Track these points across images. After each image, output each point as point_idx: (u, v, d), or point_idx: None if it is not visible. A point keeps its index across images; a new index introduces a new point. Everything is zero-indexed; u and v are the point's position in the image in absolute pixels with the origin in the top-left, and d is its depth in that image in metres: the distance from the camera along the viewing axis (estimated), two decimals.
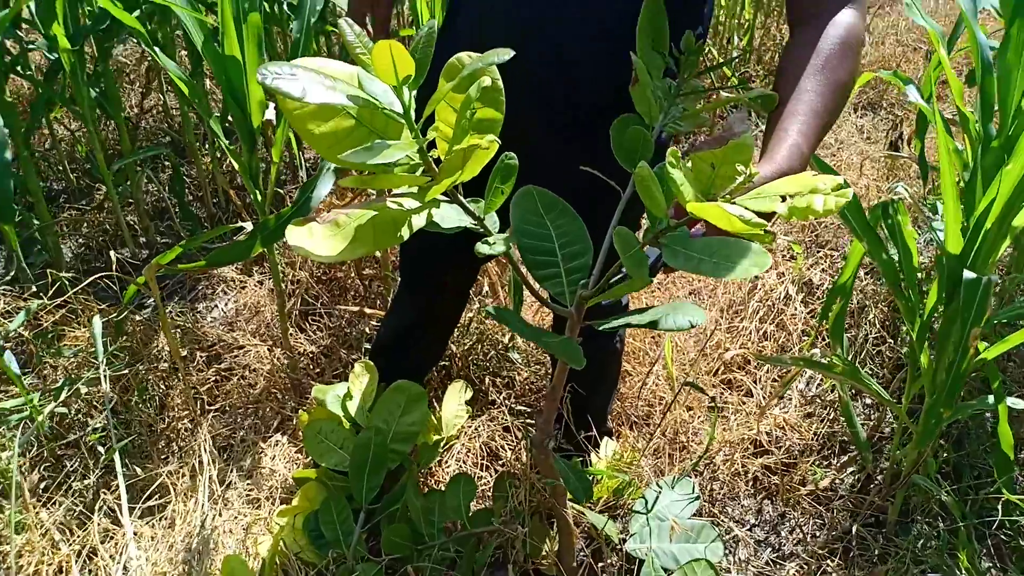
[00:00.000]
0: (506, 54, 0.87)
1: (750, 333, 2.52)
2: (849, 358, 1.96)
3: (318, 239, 0.90)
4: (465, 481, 1.83)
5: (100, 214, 2.98)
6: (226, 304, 2.68)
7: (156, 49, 1.88)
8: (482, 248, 1.02)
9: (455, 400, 2.18)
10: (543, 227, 1.19)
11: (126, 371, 2.27)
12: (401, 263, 1.98)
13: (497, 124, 0.99)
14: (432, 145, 1.00)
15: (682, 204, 0.87)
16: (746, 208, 0.84)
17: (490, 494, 2.07)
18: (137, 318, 2.50)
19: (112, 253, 2.19)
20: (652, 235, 1.01)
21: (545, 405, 1.40)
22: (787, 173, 1.05)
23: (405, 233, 0.94)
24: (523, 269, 1.28)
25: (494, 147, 0.88)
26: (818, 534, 2.06)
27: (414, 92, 0.91)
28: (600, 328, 1.15)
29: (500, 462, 2.20)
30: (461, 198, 1.02)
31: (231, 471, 2.11)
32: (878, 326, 2.52)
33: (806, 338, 2.54)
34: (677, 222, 0.97)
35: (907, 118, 3.81)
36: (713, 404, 2.21)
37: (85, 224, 2.97)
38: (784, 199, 0.85)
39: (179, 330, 2.49)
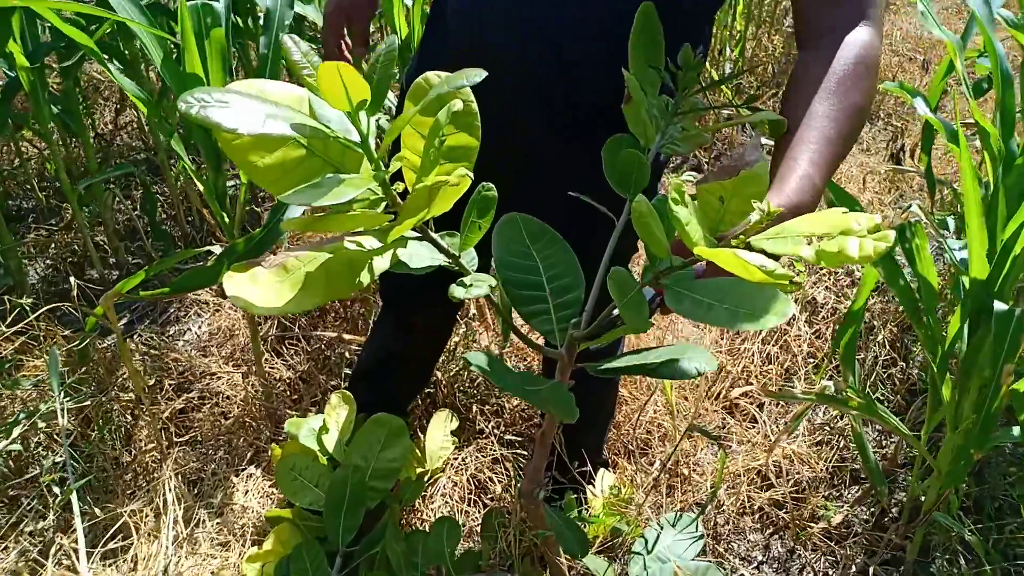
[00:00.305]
0: (477, 76, 0.73)
1: (752, 355, 2.39)
2: (858, 383, 1.82)
3: (263, 288, 0.77)
4: (450, 524, 1.69)
5: (68, 234, 2.84)
6: (199, 327, 2.54)
7: (111, 67, 1.75)
8: (457, 292, 0.89)
9: (440, 430, 2.04)
10: (529, 258, 1.07)
11: (88, 402, 2.12)
12: (380, 285, 1.85)
13: (472, 152, 0.86)
14: (400, 176, 0.87)
15: (688, 247, 0.74)
16: (765, 253, 0.71)
17: (478, 533, 1.93)
18: (104, 344, 2.37)
19: (72, 279, 2.05)
20: (652, 275, 0.88)
21: (535, 452, 1.27)
22: (798, 208, 0.95)
23: (365, 279, 0.81)
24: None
25: (465, 183, 0.75)
26: (831, 573, 1.92)
27: (376, 117, 0.77)
28: (595, 372, 1.02)
29: (489, 495, 2.07)
30: (433, 234, 0.88)
31: (199, 509, 1.97)
32: (888, 347, 2.39)
33: (811, 360, 2.40)
34: (683, 261, 0.84)
35: (907, 129, 3.68)
36: (720, 445, 2.07)
37: (53, 245, 2.83)
38: (810, 241, 0.72)
39: (147, 357, 2.35)
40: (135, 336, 2.46)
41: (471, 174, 0.81)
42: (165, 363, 2.33)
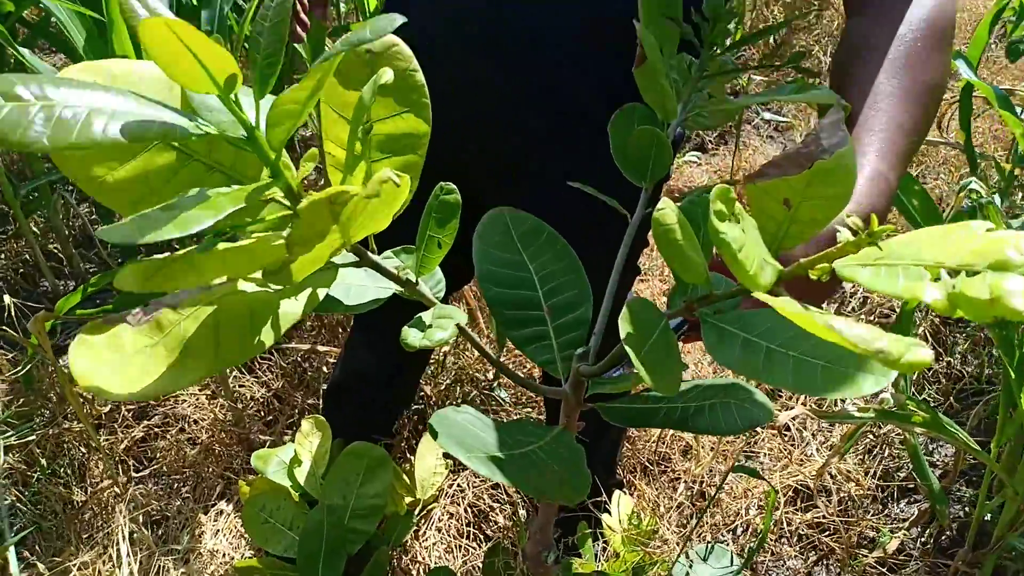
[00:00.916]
0: (399, 19, 0.47)
1: None
2: (910, 387, 1.57)
3: (125, 360, 0.52)
4: None
5: (20, 243, 2.58)
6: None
7: (23, 51, 1.49)
8: (411, 338, 0.63)
9: (432, 454, 1.79)
10: (520, 268, 0.82)
11: (33, 436, 1.88)
12: None
13: (420, 141, 0.60)
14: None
15: (745, 284, 0.48)
16: (877, 290, 0.45)
17: (480, 574, 1.69)
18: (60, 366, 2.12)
19: (7, 298, 1.79)
20: (683, 304, 0.62)
21: (540, 507, 1.02)
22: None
23: (268, 337, 0.55)
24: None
25: (403, 188, 0.49)
26: None
27: (265, 100, 0.51)
28: (612, 421, 0.78)
29: (493, 526, 1.82)
30: (375, 257, 0.62)
31: (161, 556, 1.72)
32: (930, 340, 2.13)
33: None
34: (730, 289, 0.58)
35: None
36: (767, 482, 1.82)
37: (3, 255, 2.57)
38: (937, 276, 0.45)
39: None
40: None
41: (418, 166, 0.55)
42: None
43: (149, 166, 0.54)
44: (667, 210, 0.51)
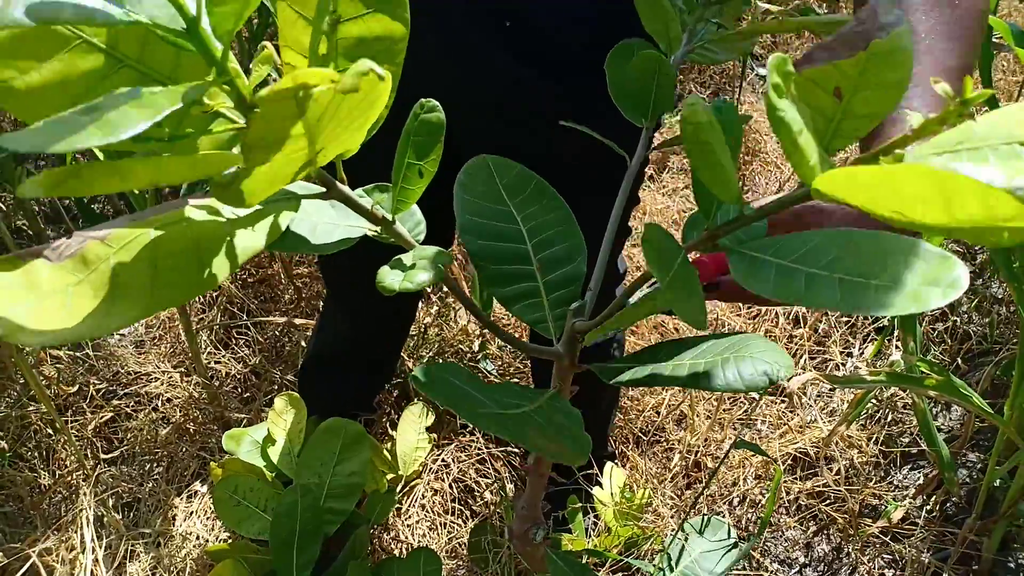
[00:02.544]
0: None
1: (776, 318, 2.06)
2: (919, 348, 1.49)
3: (44, 298, 0.43)
4: (427, 557, 1.37)
5: None
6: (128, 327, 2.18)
7: None
8: (388, 281, 0.54)
9: (413, 428, 1.71)
10: (507, 219, 0.74)
11: None
12: (319, 262, 1.51)
13: (397, 46, 0.51)
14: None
15: (805, 178, 0.40)
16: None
17: (466, 551, 1.62)
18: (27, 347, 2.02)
19: None
20: (706, 233, 0.54)
21: (528, 482, 0.94)
22: None
23: (221, 270, 0.47)
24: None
25: (383, 89, 0.40)
26: (887, 573, 1.61)
27: None
28: (611, 382, 0.70)
29: (479, 501, 1.74)
30: (345, 188, 0.54)
31: (131, 540, 1.64)
32: None
33: (844, 321, 2.07)
34: (758, 208, 0.50)
35: None
36: (772, 460, 1.75)
37: None
38: None
39: (69, 359, 2.00)
40: None
41: (394, 72, 0.47)
42: (91, 364, 1.99)
43: (70, 71, 0.45)
44: (697, 106, 0.43)
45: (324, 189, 0.53)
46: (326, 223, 0.57)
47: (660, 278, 0.48)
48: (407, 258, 0.57)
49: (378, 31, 0.50)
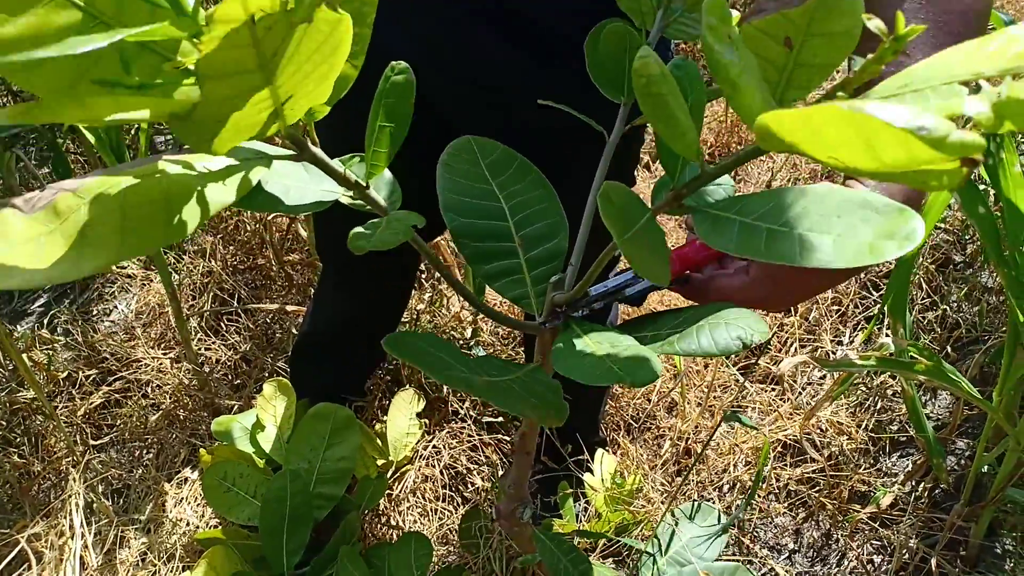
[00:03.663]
0: None
1: None
2: (908, 334, 1.49)
3: (16, 245, 0.43)
4: (418, 541, 1.36)
5: None
6: (127, 305, 2.18)
7: None
8: (358, 241, 0.54)
9: (404, 414, 1.71)
10: (490, 197, 0.74)
11: None
12: (315, 236, 1.51)
13: (367, 7, 0.51)
14: None
15: (745, 118, 0.40)
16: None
17: (456, 539, 1.62)
18: (18, 332, 2.02)
19: None
20: (670, 193, 0.54)
21: (514, 461, 0.94)
22: (908, 198, 0.67)
23: (191, 219, 0.47)
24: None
25: (340, 40, 0.40)
26: (877, 560, 1.61)
27: None
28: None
29: (470, 488, 1.74)
30: (317, 150, 0.53)
31: (121, 526, 1.63)
32: (925, 288, 2.06)
33: (835, 307, 2.07)
34: (718, 164, 0.50)
35: None
36: (760, 431, 1.74)
37: None
38: (976, 87, 0.37)
39: (59, 345, 2.00)
40: (52, 320, 2.10)
41: (363, 40, 0.47)
42: (82, 351, 1.98)
43: (44, 24, 0.45)
44: (649, 59, 0.42)
45: (297, 151, 0.53)
46: (299, 186, 0.56)
47: (618, 234, 0.48)
48: (377, 224, 0.57)
49: None
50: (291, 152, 0.52)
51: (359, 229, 0.55)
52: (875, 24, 0.35)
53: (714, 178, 0.49)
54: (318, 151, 0.52)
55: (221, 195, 0.47)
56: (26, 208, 0.44)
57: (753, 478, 1.71)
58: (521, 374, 0.64)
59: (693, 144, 0.46)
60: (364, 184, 0.57)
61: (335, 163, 0.55)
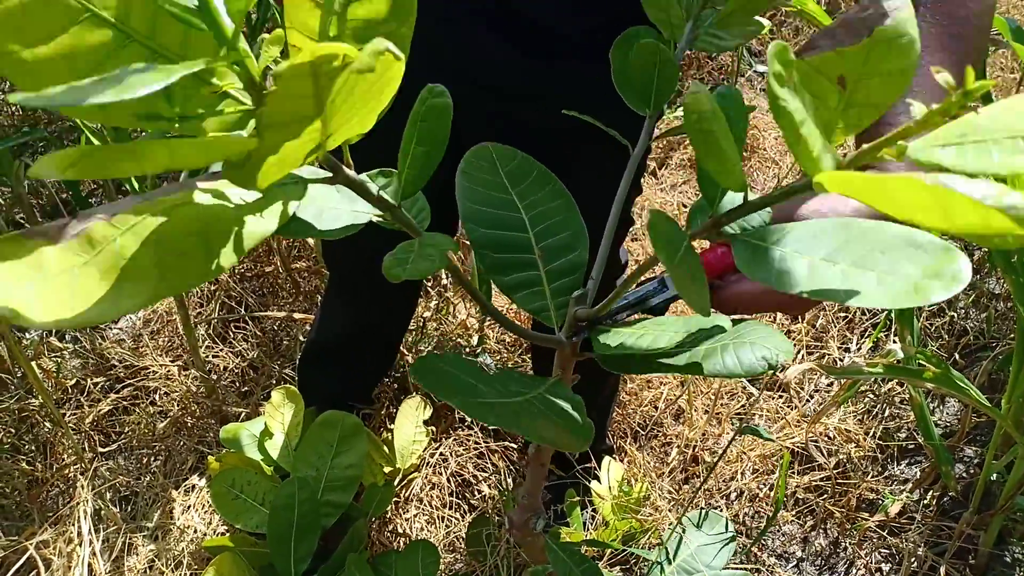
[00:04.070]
0: None
1: (773, 313, 2.06)
2: (916, 341, 1.49)
3: (51, 280, 0.43)
4: (425, 549, 1.37)
5: None
6: (135, 313, 2.18)
7: None
8: (392, 267, 0.54)
9: (410, 422, 1.71)
10: (509, 207, 0.75)
11: None
12: (322, 248, 1.51)
13: (404, 29, 0.51)
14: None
15: (807, 170, 0.40)
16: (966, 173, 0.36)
17: (463, 547, 1.62)
18: (27, 339, 2.02)
19: None
20: (709, 220, 0.55)
21: (528, 472, 0.94)
22: None
23: (227, 258, 0.47)
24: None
25: (397, 69, 0.40)
26: (885, 568, 1.61)
27: None
28: (610, 368, 0.70)
29: (477, 495, 1.74)
30: (352, 172, 0.54)
31: (129, 533, 1.63)
32: None
33: (843, 315, 2.07)
34: (762, 198, 0.50)
35: None
36: (774, 443, 1.74)
37: None
38: None
39: (68, 352, 2.00)
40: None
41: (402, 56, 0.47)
42: (90, 357, 1.99)
43: (78, 45, 0.45)
44: (700, 94, 0.43)
45: (331, 174, 0.53)
46: (332, 208, 0.57)
47: (667, 262, 0.48)
48: (410, 249, 0.57)
49: (385, 13, 0.50)
50: (326, 175, 0.52)
51: (391, 257, 0.55)
52: (943, 78, 0.35)
53: (756, 210, 0.49)
54: (352, 173, 0.53)
55: (259, 226, 0.47)
56: (60, 236, 0.44)
57: (760, 486, 1.71)
58: (543, 390, 0.64)
59: (739, 177, 0.46)
60: (396, 205, 0.57)
61: (371, 185, 0.55)
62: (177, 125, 0.44)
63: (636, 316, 0.78)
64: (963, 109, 0.38)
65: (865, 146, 0.40)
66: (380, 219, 0.58)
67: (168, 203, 0.47)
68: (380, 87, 0.40)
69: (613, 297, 0.65)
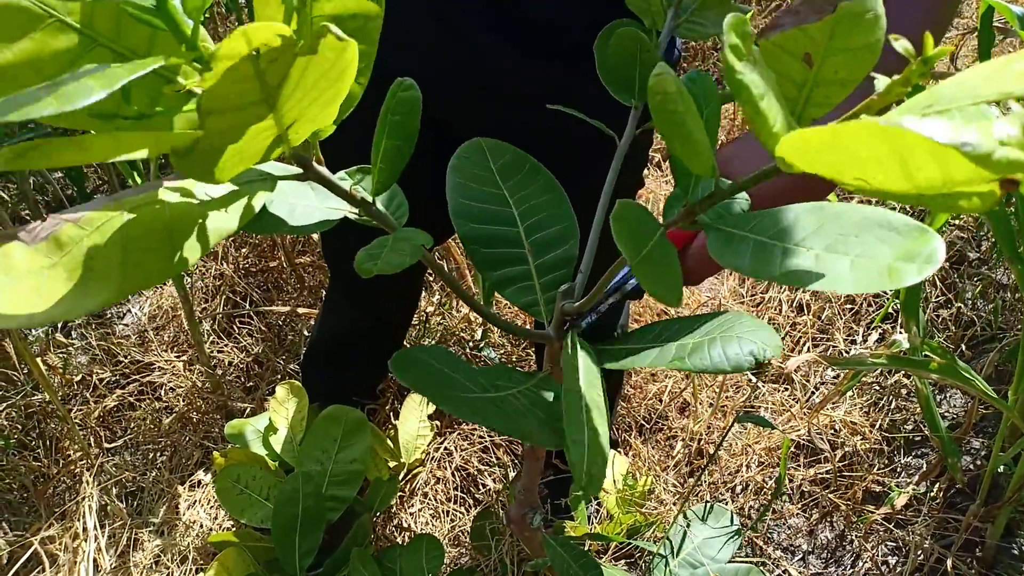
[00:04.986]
0: None
1: (779, 305, 2.05)
2: (922, 333, 1.48)
3: (18, 280, 0.42)
4: (429, 543, 1.37)
5: None
6: (140, 309, 2.19)
7: None
8: (364, 262, 0.54)
9: (415, 416, 1.71)
10: (499, 201, 0.74)
11: (0, 408, 1.79)
12: (321, 247, 1.51)
13: (372, 23, 0.50)
14: None
15: (765, 141, 0.39)
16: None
17: (468, 541, 1.62)
18: (33, 335, 2.03)
19: None
20: (683, 209, 0.54)
21: (524, 466, 0.94)
22: None
23: (192, 253, 0.46)
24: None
25: (346, 65, 0.40)
26: (892, 562, 1.60)
27: None
28: (603, 365, 0.70)
29: (482, 490, 1.74)
30: (322, 169, 0.53)
31: (135, 528, 1.64)
32: (939, 285, 2.04)
33: (849, 308, 2.06)
34: (734, 182, 0.50)
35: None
36: (777, 429, 1.73)
37: None
38: (1006, 107, 0.36)
39: (74, 348, 2.01)
40: (66, 324, 2.12)
41: (368, 58, 0.46)
42: (96, 354, 1.99)
43: (42, 50, 0.45)
44: (664, 76, 0.42)
45: (301, 170, 0.52)
46: (305, 205, 0.56)
47: (630, 256, 0.47)
48: (385, 244, 0.57)
49: (352, 8, 0.49)
50: (296, 171, 0.52)
51: (364, 251, 0.54)
52: (902, 45, 0.34)
53: (729, 196, 0.49)
54: (323, 170, 0.52)
55: (223, 223, 0.47)
56: (28, 239, 0.44)
57: (766, 479, 1.70)
58: (530, 384, 0.64)
59: (708, 162, 0.45)
60: (370, 200, 0.57)
61: (341, 182, 0.54)
62: (135, 124, 0.44)
63: (610, 301, 0.78)
64: (923, 77, 0.37)
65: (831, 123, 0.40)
66: (355, 215, 0.58)
67: (134, 202, 0.46)
68: (334, 76, 0.40)
69: (598, 289, 0.65)
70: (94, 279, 0.44)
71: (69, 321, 2.11)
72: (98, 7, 0.46)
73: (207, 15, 1.78)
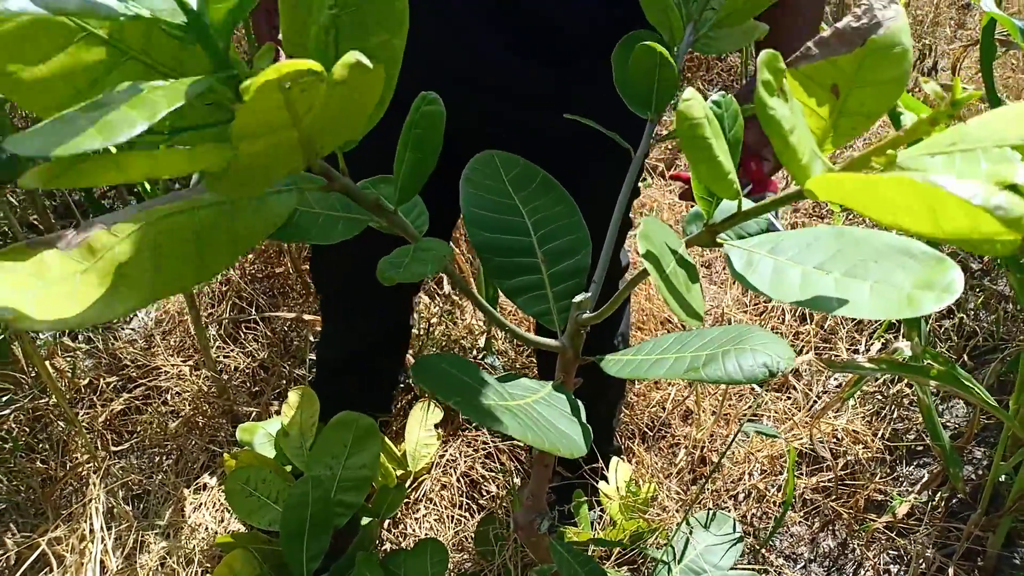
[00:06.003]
0: None
1: (782, 314, 2.06)
2: (923, 341, 1.49)
3: (52, 286, 0.44)
4: (433, 547, 1.38)
5: None
6: (147, 313, 2.20)
7: None
8: (387, 270, 0.55)
9: (421, 424, 1.72)
10: (512, 212, 0.76)
11: (8, 410, 1.80)
12: (311, 269, 1.53)
13: (396, 40, 0.52)
14: None
15: (796, 175, 0.40)
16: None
17: (472, 546, 1.63)
18: (40, 339, 2.04)
19: None
20: (706, 228, 0.55)
21: (532, 473, 0.95)
22: None
23: (220, 260, 0.48)
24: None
25: (376, 79, 0.41)
26: (894, 570, 1.61)
27: None
28: (612, 371, 0.71)
29: (486, 495, 1.75)
30: (346, 179, 0.55)
31: (141, 531, 1.65)
32: None
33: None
34: (759, 203, 0.51)
35: (933, 48, 3.30)
36: (781, 439, 1.74)
37: None
38: None
39: (81, 352, 2.02)
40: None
41: (391, 82, 0.48)
42: (103, 358, 2.01)
43: (75, 63, 0.46)
44: (693, 101, 0.43)
45: (326, 181, 0.54)
46: (329, 214, 0.58)
47: (656, 273, 0.48)
48: (406, 253, 0.58)
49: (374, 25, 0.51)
50: (321, 182, 0.53)
51: (386, 260, 0.55)
52: (931, 88, 0.35)
53: (750, 218, 0.50)
54: (347, 181, 0.54)
55: (252, 232, 0.48)
56: (63, 246, 0.45)
57: (768, 487, 1.71)
58: (544, 393, 0.65)
59: (732, 185, 0.47)
60: (394, 211, 0.58)
61: (366, 192, 0.56)
62: (167, 138, 0.45)
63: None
64: (951, 119, 0.39)
65: (856, 154, 0.41)
66: (378, 225, 0.59)
67: (165, 211, 0.48)
68: (358, 99, 0.41)
69: (612, 304, 0.66)
70: (125, 284, 0.45)
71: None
72: (127, 22, 0.47)
73: None
